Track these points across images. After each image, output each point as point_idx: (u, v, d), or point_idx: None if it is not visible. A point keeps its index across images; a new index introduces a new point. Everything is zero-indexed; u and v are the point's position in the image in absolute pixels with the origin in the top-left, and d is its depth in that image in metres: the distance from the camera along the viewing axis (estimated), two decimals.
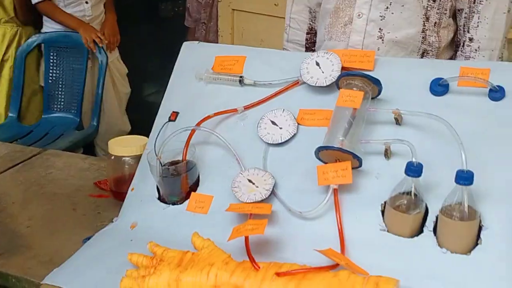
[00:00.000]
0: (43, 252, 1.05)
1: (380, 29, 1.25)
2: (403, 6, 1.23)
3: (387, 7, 1.24)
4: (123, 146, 1.23)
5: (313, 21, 1.42)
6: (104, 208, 1.22)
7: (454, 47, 1.32)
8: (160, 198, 1.11)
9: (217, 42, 2.94)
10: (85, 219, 1.17)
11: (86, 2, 2.65)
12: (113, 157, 1.23)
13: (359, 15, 1.26)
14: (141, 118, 3.09)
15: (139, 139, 1.26)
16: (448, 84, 1.02)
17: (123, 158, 1.22)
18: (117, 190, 1.24)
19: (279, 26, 2.52)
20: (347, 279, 0.82)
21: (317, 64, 1.11)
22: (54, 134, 2.52)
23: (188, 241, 0.99)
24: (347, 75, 1.05)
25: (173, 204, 1.09)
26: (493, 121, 0.97)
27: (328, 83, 1.08)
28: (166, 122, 1.18)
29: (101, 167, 1.41)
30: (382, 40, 1.26)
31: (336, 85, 1.07)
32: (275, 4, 2.56)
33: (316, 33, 1.43)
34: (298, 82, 1.13)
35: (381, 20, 1.25)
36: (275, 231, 0.97)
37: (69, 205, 1.23)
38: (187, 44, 1.28)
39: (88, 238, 1.06)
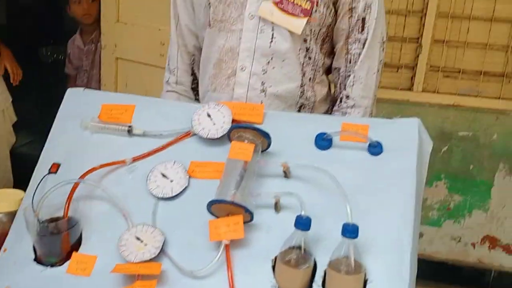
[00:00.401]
0: None
1: (262, 82, 1.30)
2: (283, 61, 1.28)
3: (269, 62, 1.29)
4: None
5: (193, 65, 1.44)
6: None
7: (328, 102, 1.40)
8: (37, 260, 1.02)
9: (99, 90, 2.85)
10: None
11: None
12: None
13: (242, 68, 1.29)
14: (12, 171, 2.89)
15: (14, 193, 1.16)
16: (331, 139, 1.07)
17: None
18: None
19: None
20: None
21: (209, 115, 1.11)
22: None
23: None
24: (238, 127, 1.06)
25: (52, 266, 1.00)
26: (373, 174, 1.03)
27: (219, 135, 1.09)
28: (46, 174, 1.10)
29: None
30: (265, 93, 1.30)
31: (227, 137, 1.08)
32: (160, 55, 2.55)
33: (196, 77, 1.44)
34: (189, 133, 1.13)
35: (263, 74, 1.29)
36: None
37: None
38: (72, 90, 1.23)
39: None
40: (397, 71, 2.67)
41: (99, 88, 2.86)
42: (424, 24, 2.56)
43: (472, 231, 2.66)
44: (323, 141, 1.08)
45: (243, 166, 1.01)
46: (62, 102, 1.20)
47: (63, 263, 1.00)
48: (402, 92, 2.67)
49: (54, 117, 1.19)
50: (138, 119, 1.16)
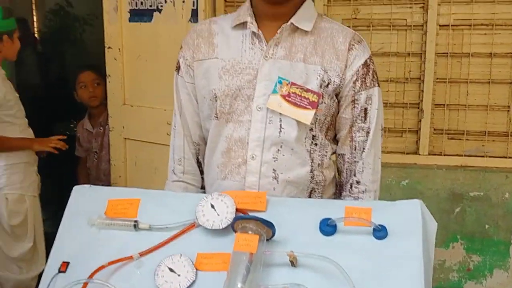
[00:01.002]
0: None
1: (274, 170, 1.32)
2: (292, 149, 1.31)
3: (278, 150, 1.31)
4: None
5: (199, 154, 1.46)
6: None
7: (334, 184, 1.43)
8: None
9: (109, 171, 2.90)
10: None
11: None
12: None
13: (252, 157, 1.32)
14: None
15: None
16: (336, 225, 1.08)
17: None
18: None
19: None
20: None
21: (212, 206, 1.13)
22: None
23: None
24: (242, 219, 1.07)
25: None
26: (379, 259, 1.03)
27: (224, 226, 1.10)
28: (56, 274, 1.11)
29: None
30: (277, 180, 1.32)
31: (231, 227, 1.09)
32: (167, 134, 2.61)
33: (201, 164, 1.46)
34: (194, 225, 1.14)
35: (274, 161, 1.32)
36: None
37: None
38: (78, 188, 1.25)
39: None
40: (401, 135, 2.71)
41: (109, 168, 2.91)
42: (423, 90, 2.62)
43: None
44: (328, 227, 1.08)
45: (248, 258, 1.01)
46: (69, 200, 1.23)
47: None
48: (408, 156, 2.69)
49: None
50: (143, 212, 1.18)
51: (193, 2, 2.47)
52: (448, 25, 2.58)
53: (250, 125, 1.32)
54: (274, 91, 1.29)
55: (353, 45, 1.32)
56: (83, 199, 1.23)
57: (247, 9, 1.35)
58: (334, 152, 1.40)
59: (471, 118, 2.62)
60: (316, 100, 1.29)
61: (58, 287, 1.05)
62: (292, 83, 1.29)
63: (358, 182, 1.36)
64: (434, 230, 1.08)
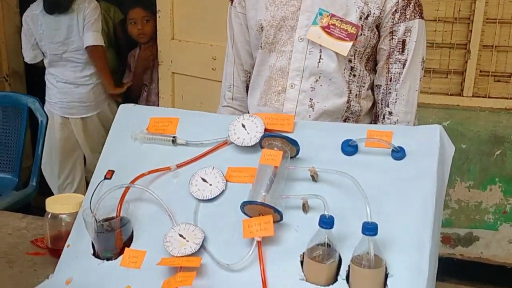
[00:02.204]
0: None
1: (310, 99, 1.39)
2: (330, 79, 1.37)
3: (317, 80, 1.38)
4: (60, 204, 1.28)
5: (249, 82, 1.54)
6: (40, 265, 1.25)
7: (371, 115, 1.48)
8: (95, 254, 1.16)
9: (158, 103, 3.04)
10: (22, 276, 1.20)
11: None
12: (50, 215, 1.27)
13: (292, 85, 1.39)
14: None
15: (75, 197, 1.32)
16: (357, 145, 1.15)
17: (60, 215, 1.27)
18: (54, 247, 1.27)
19: (217, 89, 2.66)
20: None
21: (243, 126, 1.22)
22: None
23: None
24: (269, 136, 1.16)
25: (108, 259, 1.14)
26: (396, 178, 1.09)
27: (252, 143, 1.19)
28: (102, 180, 1.24)
29: (38, 225, 1.44)
30: (313, 108, 1.40)
31: (259, 145, 1.18)
32: (212, 69, 2.71)
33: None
34: (226, 142, 1.24)
35: (312, 91, 1.39)
36: (203, 283, 1.04)
37: (5, 262, 1.25)
38: (123, 106, 1.37)
39: None
40: (447, 77, 2.69)
41: (158, 101, 3.05)
42: (471, 30, 2.57)
43: None
44: (349, 147, 1.15)
45: (272, 171, 1.10)
46: (115, 117, 1.35)
47: (117, 257, 1.13)
48: (452, 98, 2.68)
49: None
50: (181, 130, 1.28)
51: None
52: None
53: (291, 55, 1.38)
54: (315, 23, 1.34)
55: None
56: (128, 117, 1.34)
57: None
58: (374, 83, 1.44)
59: None
60: (354, 32, 1.33)
61: (104, 191, 1.17)
62: (332, 15, 1.33)
63: (390, 113, 1.40)
64: (451, 154, 1.13)
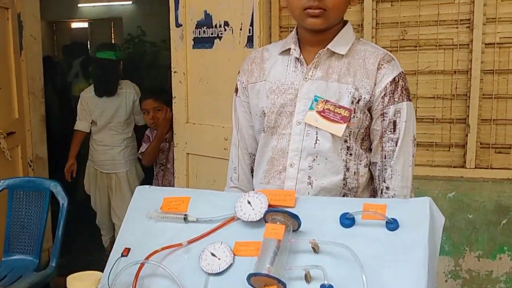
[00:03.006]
0: None
1: (309, 176, 1.50)
2: (326, 158, 1.49)
3: (314, 159, 1.50)
4: (80, 281, 1.36)
5: (253, 164, 1.67)
6: None
7: (369, 191, 1.57)
8: None
9: (173, 182, 3.17)
10: None
11: None
12: None
13: (291, 165, 1.51)
14: None
15: (94, 274, 1.40)
16: (354, 218, 1.24)
17: None
18: None
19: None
20: None
21: (249, 202, 1.32)
22: (13, 276, 2.60)
23: None
24: (272, 211, 1.26)
25: None
26: (389, 247, 1.17)
27: (257, 219, 1.29)
28: (119, 257, 1.34)
29: None
30: (311, 186, 1.50)
31: (264, 220, 1.28)
32: (224, 148, 2.84)
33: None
34: (233, 218, 1.34)
35: (310, 169, 1.50)
36: None
37: None
38: (140, 188, 1.49)
39: None
40: (449, 150, 2.79)
41: (173, 180, 3.18)
42: (469, 106, 2.70)
43: None
44: (347, 220, 1.24)
45: (276, 244, 1.20)
46: (132, 197, 1.46)
47: None
48: (455, 170, 2.76)
49: None
50: (192, 208, 1.39)
51: (249, 29, 2.71)
52: (494, 43, 2.66)
53: (290, 137, 1.51)
54: (311, 108, 1.48)
55: (382, 64, 1.48)
56: (144, 197, 1.46)
57: (292, 36, 1.56)
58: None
59: None
60: (347, 115, 1.46)
61: (121, 268, 1.26)
62: (327, 100, 1.47)
63: (387, 188, 1.51)
64: (442, 224, 1.22)
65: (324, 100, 1.46)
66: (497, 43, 2.66)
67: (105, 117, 3.87)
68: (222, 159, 2.87)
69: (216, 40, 2.85)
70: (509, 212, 2.64)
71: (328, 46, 1.49)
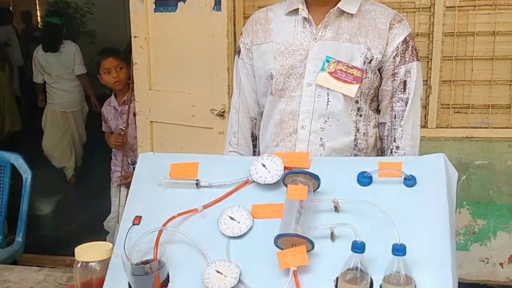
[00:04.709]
0: None
1: (320, 138, 1.51)
2: (338, 120, 1.49)
3: (325, 121, 1.50)
4: (90, 252, 1.31)
5: (254, 128, 1.65)
6: None
7: (376, 152, 1.60)
8: None
9: (135, 147, 3.08)
10: None
11: None
12: (80, 264, 1.31)
13: (302, 127, 1.50)
14: None
15: (103, 244, 1.35)
16: (371, 176, 1.26)
17: (90, 263, 1.31)
18: None
19: (197, 135, 2.75)
20: None
21: (263, 165, 1.31)
22: None
23: None
24: (292, 173, 1.26)
25: None
26: (410, 203, 1.21)
27: (274, 181, 1.29)
28: (131, 226, 1.29)
29: (57, 277, 1.47)
30: (323, 147, 1.51)
31: (282, 182, 1.28)
32: (192, 116, 2.79)
33: (256, 137, 1.65)
34: (247, 182, 1.32)
35: (321, 131, 1.50)
36: None
37: None
38: (143, 155, 1.44)
39: None
40: None
41: (136, 144, 3.10)
42: (431, 68, 2.79)
43: (499, 251, 2.80)
44: (365, 179, 1.27)
45: (299, 205, 1.20)
46: (136, 165, 1.41)
47: None
48: None
49: None
50: (202, 173, 1.36)
51: None
52: (454, 7, 2.75)
53: (301, 99, 1.50)
54: (323, 69, 1.47)
55: (394, 24, 1.49)
56: (149, 164, 1.41)
57: None
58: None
59: (475, 93, 2.81)
60: (360, 76, 1.47)
61: (134, 237, 1.22)
62: (339, 61, 1.47)
63: (397, 148, 1.53)
64: (456, 179, 1.27)
65: (336, 61, 1.45)
66: (457, 6, 2.75)
67: (55, 69, 5.01)
68: (189, 126, 2.82)
69: (180, 3, 2.75)
70: (468, 169, 2.79)
71: (338, 5, 1.48)
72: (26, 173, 2.57)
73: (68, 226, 4.24)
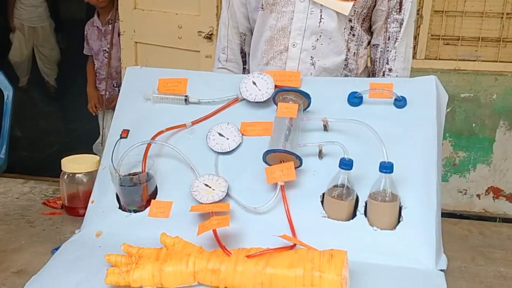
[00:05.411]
0: (15, 264, 1.10)
1: (311, 57, 1.47)
2: (330, 38, 1.46)
3: (317, 39, 1.46)
4: (76, 163, 1.31)
5: (243, 44, 1.61)
6: (60, 223, 1.28)
7: (366, 74, 1.58)
8: (121, 208, 1.21)
9: (120, 69, 3.02)
10: (46, 233, 1.23)
11: None
12: (66, 175, 1.30)
13: (293, 44, 1.47)
14: None
15: (89, 157, 1.35)
16: (362, 97, 1.26)
17: (76, 175, 1.30)
18: (70, 205, 1.31)
19: (183, 58, 2.69)
20: (306, 254, 0.99)
21: (254, 83, 1.29)
22: None
23: (154, 243, 1.07)
24: (283, 91, 1.24)
25: (134, 212, 1.20)
26: (400, 124, 1.21)
27: (265, 99, 1.27)
28: (119, 139, 1.28)
29: (42, 189, 1.46)
30: (314, 66, 1.48)
31: (272, 100, 1.27)
32: (178, 37, 2.72)
33: (245, 54, 1.61)
34: (237, 99, 1.31)
35: (313, 49, 1.47)
36: (234, 225, 1.12)
37: (25, 223, 1.28)
38: (130, 68, 1.41)
39: (57, 249, 1.13)
40: None
41: (120, 66, 3.03)
42: None
43: (477, 183, 2.88)
44: (355, 99, 1.26)
45: (289, 122, 1.20)
46: (123, 79, 1.38)
47: (143, 210, 1.19)
48: None
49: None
50: (191, 90, 1.34)
51: None
52: None
53: (292, 15, 1.45)
54: None
55: None
56: (136, 79, 1.38)
57: None
58: (369, 43, 1.54)
59: (466, 25, 2.78)
60: None
61: (122, 150, 1.22)
62: None
63: (390, 70, 1.51)
64: (446, 101, 1.27)
65: None
66: None
67: None
68: (175, 48, 2.76)
69: None
70: (454, 101, 2.81)
71: None
72: (8, 90, 2.51)
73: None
